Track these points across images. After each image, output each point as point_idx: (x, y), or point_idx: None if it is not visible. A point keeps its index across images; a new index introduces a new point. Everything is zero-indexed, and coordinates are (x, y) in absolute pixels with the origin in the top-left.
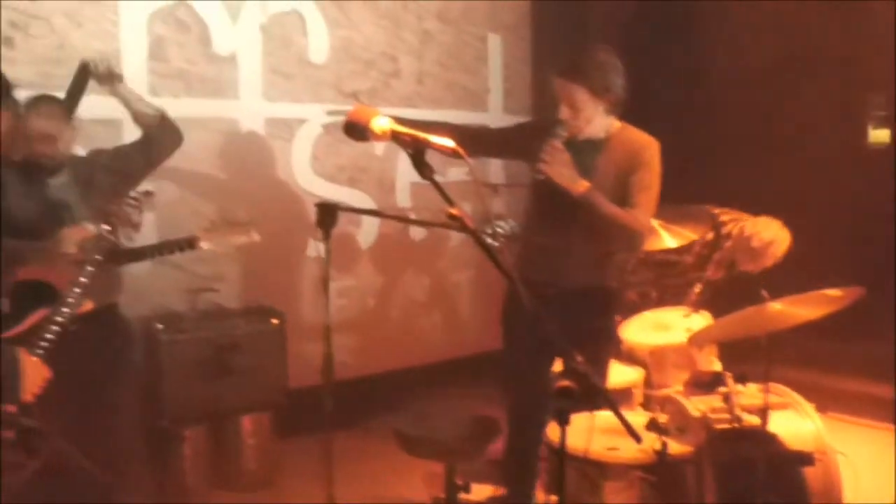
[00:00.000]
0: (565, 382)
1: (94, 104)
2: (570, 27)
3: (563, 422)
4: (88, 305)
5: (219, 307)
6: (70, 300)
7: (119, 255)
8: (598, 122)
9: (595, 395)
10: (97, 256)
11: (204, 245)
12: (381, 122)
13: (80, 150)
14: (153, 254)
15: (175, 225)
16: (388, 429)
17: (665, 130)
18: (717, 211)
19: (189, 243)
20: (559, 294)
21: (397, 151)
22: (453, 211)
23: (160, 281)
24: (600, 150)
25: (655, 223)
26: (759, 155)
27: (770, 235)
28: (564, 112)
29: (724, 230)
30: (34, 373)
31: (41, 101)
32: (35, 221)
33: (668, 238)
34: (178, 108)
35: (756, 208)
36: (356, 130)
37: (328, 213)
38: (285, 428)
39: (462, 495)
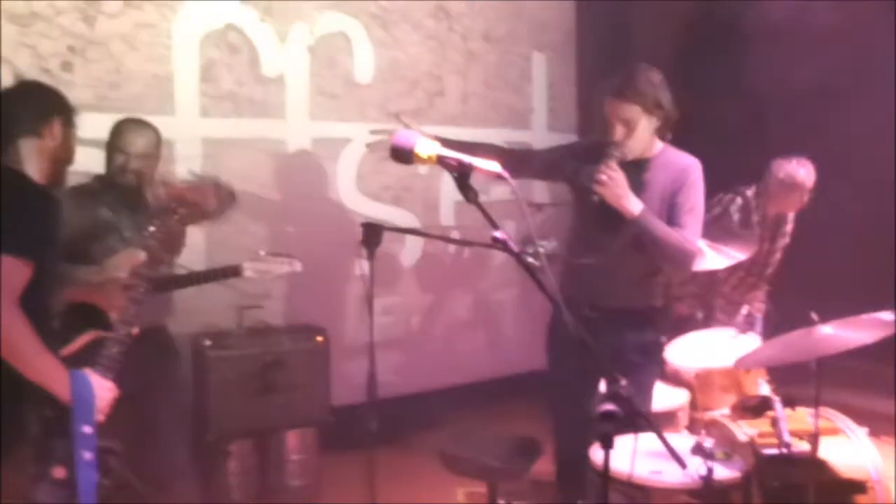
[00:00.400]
0: (609, 406)
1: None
2: (614, 46)
3: (607, 445)
4: (136, 330)
5: (265, 324)
6: (120, 325)
7: (165, 282)
8: (646, 140)
9: (638, 419)
10: (145, 282)
11: (247, 273)
12: (426, 147)
13: None
14: (198, 281)
15: (223, 242)
16: (431, 447)
17: (709, 148)
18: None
19: (233, 271)
20: (604, 315)
21: (441, 170)
22: (497, 234)
23: (209, 299)
24: (646, 170)
25: (702, 243)
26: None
27: (793, 165)
28: (618, 132)
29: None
30: (104, 394)
31: (138, 122)
32: (84, 241)
33: (715, 258)
34: (226, 128)
35: (802, 227)
36: (402, 155)
37: (373, 232)
38: (329, 444)
39: None
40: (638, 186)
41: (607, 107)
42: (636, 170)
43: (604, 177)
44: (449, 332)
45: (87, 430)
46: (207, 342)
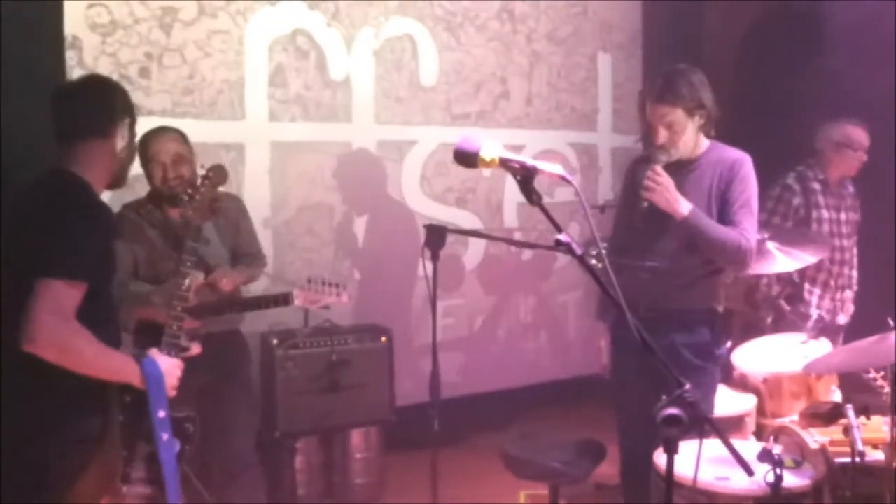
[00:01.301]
0: (672, 410)
1: (219, 129)
2: (681, 46)
3: (671, 450)
4: (196, 349)
5: (331, 324)
6: (182, 345)
7: (220, 306)
8: (692, 140)
9: (703, 424)
10: (205, 306)
11: (297, 302)
12: (490, 150)
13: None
14: (249, 308)
15: (288, 242)
16: (494, 448)
17: (776, 153)
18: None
19: (284, 300)
20: (661, 316)
21: (505, 172)
22: (561, 237)
23: None
24: (693, 169)
25: (772, 246)
26: (880, 181)
27: (845, 124)
28: (661, 136)
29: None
30: (172, 370)
31: (164, 128)
32: (154, 260)
33: (784, 261)
34: (294, 132)
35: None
36: (466, 158)
37: (436, 234)
38: (393, 443)
39: None
40: (686, 186)
41: (650, 111)
42: (684, 170)
43: (650, 182)
44: (512, 334)
45: (162, 414)
46: (275, 341)
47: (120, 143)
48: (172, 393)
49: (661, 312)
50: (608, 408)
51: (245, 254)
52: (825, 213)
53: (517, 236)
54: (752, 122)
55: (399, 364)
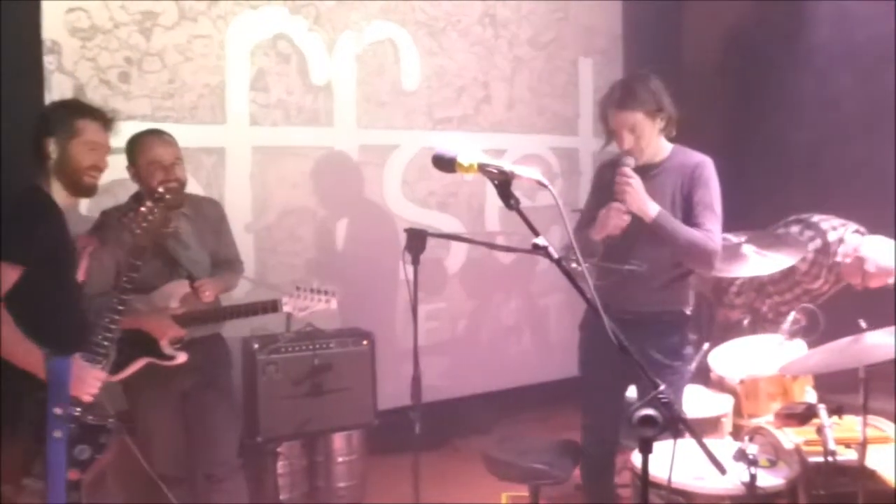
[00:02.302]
0: (648, 411)
1: (200, 133)
2: (661, 50)
3: (647, 450)
4: (182, 358)
5: (313, 328)
6: (169, 353)
7: (207, 315)
8: (655, 144)
9: (678, 424)
10: (193, 315)
11: (286, 308)
12: (467, 156)
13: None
14: (237, 315)
15: (270, 247)
16: (476, 450)
17: (757, 157)
18: (817, 219)
19: (272, 306)
20: (635, 319)
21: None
22: (538, 241)
23: None
24: (657, 173)
25: (748, 249)
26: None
27: (888, 262)
28: (626, 141)
29: (834, 241)
30: (85, 376)
31: (156, 132)
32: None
33: (760, 264)
34: (276, 136)
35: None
36: (444, 164)
37: (417, 238)
38: (375, 447)
39: None
40: (651, 190)
41: (612, 118)
42: (648, 174)
43: (621, 184)
44: (494, 337)
45: (58, 411)
46: (256, 345)
47: (50, 160)
48: (87, 399)
49: (635, 314)
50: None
51: (223, 260)
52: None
53: (499, 240)
54: (732, 125)
55: (381, 367)
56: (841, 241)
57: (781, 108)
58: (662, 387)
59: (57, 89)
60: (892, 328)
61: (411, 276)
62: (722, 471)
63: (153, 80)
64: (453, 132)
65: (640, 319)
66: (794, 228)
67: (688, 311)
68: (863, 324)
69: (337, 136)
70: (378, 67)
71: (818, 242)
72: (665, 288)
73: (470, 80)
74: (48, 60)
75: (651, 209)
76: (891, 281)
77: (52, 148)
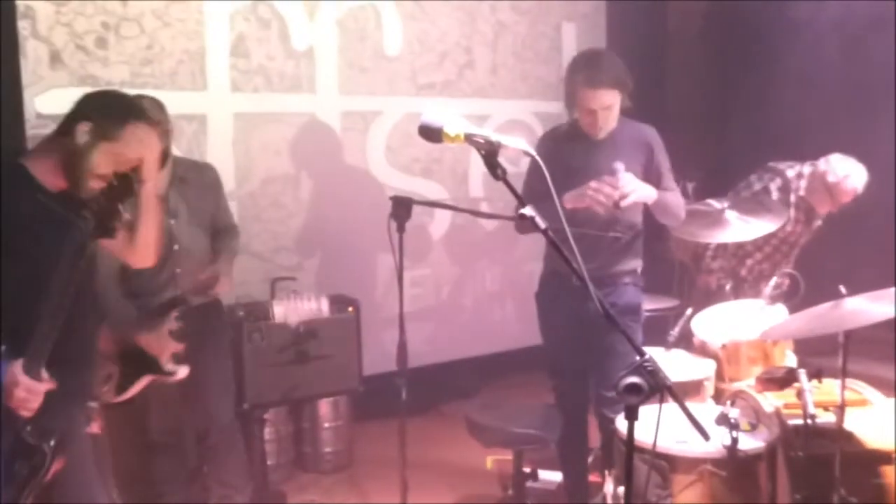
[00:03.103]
0: (634, 379)
1: (180, 100)
2: (645, 16)
3: (632, 417)
4: (183, 373)
5: (298, 295)
6: (169, 369)
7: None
8: (616, 118)
9: (663, 391)
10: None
11: (277, 318)
12: (454, 126)
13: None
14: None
15: (253, 214)
16: (460, 415)
17: (739, 123)
18: (782, 165)
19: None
20: (596, 280)
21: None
22: (525, 211)
23: (243, 271)
24: (611, 144)
25: (731, 214)
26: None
27: (845, 170)
28: (601, 119)
29: (793, 177)
30: (20, 386)
31: (145, 98)
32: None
33: (742, 230)
34: (257, 102)
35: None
36: (430, 133)
37: (403, 206)
38: (361, 412)
39: (529, 483)
40: (606, 159)
41: (586, 97)
42: (602, 144)
43: (628, 189)
44: (478, 303)
45: None
46: (241, 313)
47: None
48: (23, 413)
49: (599, 276)
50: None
51: (222, 227)
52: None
53: (483, 206)
54: (715, 92)
55: (366, 334)
56: (800, 175)
57: (765, 76)
58: (648, 355)
59: (32, 55)
60: (871, 294)
61: (396, 244)
62: (706, 437)
63: (131, 45)
64: (436, 98)
65: (602, 280)
66: (753, 177)
67: (639, 270)
68: (843, 290)
69: (319, 102)
70: (360, 32)
71: (778, 182)
72: (625, 248)
73: (452, 45)
74: (22, 26)
75: (650, 193)
76: (857, 186)
77: (83, 133)
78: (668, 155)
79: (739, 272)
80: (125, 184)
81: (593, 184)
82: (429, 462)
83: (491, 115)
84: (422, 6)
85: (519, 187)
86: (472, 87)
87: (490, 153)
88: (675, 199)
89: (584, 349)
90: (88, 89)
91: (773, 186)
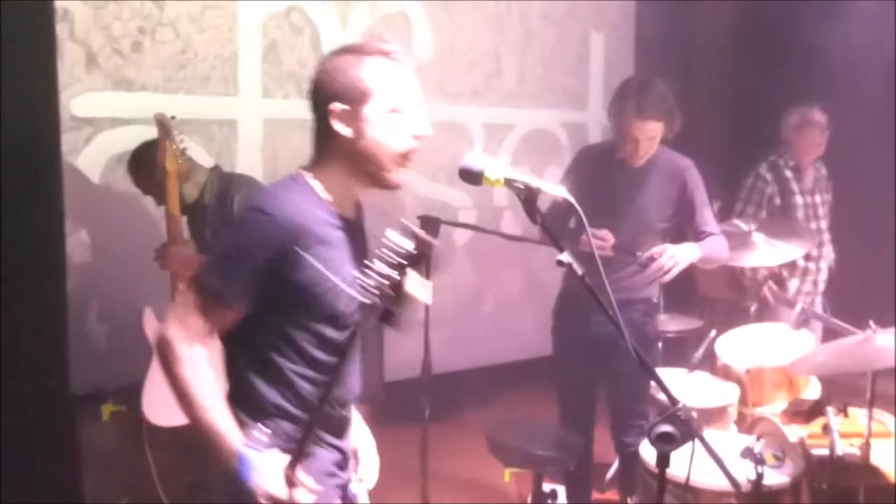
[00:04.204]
0: (666, 427)
1: (212, 105)
2: (673, 26)
3: (664, 465)
4: None
5: None
6: None
7: None
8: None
9: (693, 439)
10: None
11: None
12: (495, 170)
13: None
14: None
15: None
16: (481, 423)
17: (770, 134)
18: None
19: None
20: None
21: (494, 151)
22: (562, 257)
23: None
24: (646, 172)
25: (758, 238)
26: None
27: (802, 110)
28: (643, 150)
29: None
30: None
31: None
32: None
33: (769, 254)
34: (287, 109)
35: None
36: (471, 177)
37: (431, 225)
38: (382, 419)
39: (549, 502)
40: (639, 187)
41: (633, 126)
42: (644, 172)
43: (672, 261)
44: (500, 310)
45: None
46: None
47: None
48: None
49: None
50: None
51: None
52: (799, 199)
53: (506, 215)
54: (745, 101)
55: (388, 341)
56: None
57: (795, 91)
58: (681, 403)
59: (69, 58)
60: None
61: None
62: (736, 487)
63: (166, 50)
64: (464, 107)
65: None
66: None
67: (655, 298)
68: (872, 325)
69: None
70: (391, 40)
71: (764, 165)
72: (640, 276)
73: (482, 53)
74: (60, 28)
75: (695, 254)
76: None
77: (346, 122)
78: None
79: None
80: None
81: (596, 233)
82: (447, 472)
83: (517, 123)
84: (452, 15)
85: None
86: (500, 95)
87: (529, 198)
88: (717, 245)
89: (595, 369)
90: (123, 93)
91: (769, 191)
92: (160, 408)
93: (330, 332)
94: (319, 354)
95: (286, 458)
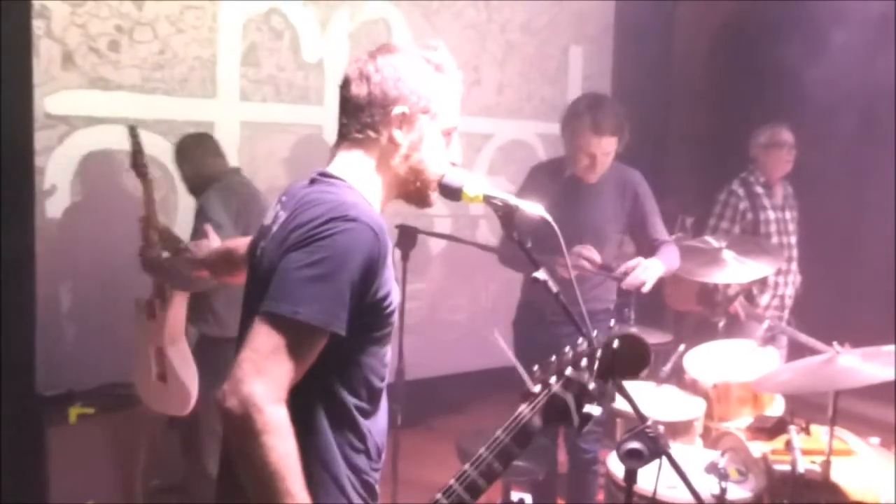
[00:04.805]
0: (635, 444)
1: (190, 107)
2: (651, 41)
3: (631, 481)
4: None
5: None
6: None
7: None
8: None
9: (663, 455)
10: None
11: None
12: (473, 187)
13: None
14: None
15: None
16: (450, 430)
17: (744, 149)
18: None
19: None
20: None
21: (472, 160)
22: (537, 275)
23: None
24: (602, 188)
25: (728, 255)
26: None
27: (770, 130)
28: (601, 166)
29: (737, 182)
30: None
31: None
32: None
33: (738, 271)
34: (265, 112)
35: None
36: (450, 192)
37: (408, 235)
38: None
39: None
40: (593, 203)
41: (590, 142)
42: (591, 189)
43: (642, 276)
44: (474, 318)
45: None
46: None
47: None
48: None
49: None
50: None
51: None
52: (771, 214)
53: (482, 224)
54: (720, 117)
55: None
56: (743, 180)
57: (772, 107)
58: (650, 421)
59: (45, 55)
60: (866, 351)
61: (400, 272)
62: (700, 502)
63: (144, 50)
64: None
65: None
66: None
67: (612, 307)
68: (836, 346)
69: (327, 114)
70: (371, 46)
71: (740, 204)
72: (601, 287)
73: (461, 62)
74: (36, 25)
75: (661, 269)
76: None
77: (405, 131)
78: (667, 187)
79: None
80: None
81: (584, 252)
82: (416, 478)
83: (495, 133)
84: (433, 23)
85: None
86: (478, 105)
87: (507, 215)
88: (672, 255)
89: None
90: (99, 92)
91: (742, 206)
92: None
93: (386, 356)
94: (377, 384)
95: None
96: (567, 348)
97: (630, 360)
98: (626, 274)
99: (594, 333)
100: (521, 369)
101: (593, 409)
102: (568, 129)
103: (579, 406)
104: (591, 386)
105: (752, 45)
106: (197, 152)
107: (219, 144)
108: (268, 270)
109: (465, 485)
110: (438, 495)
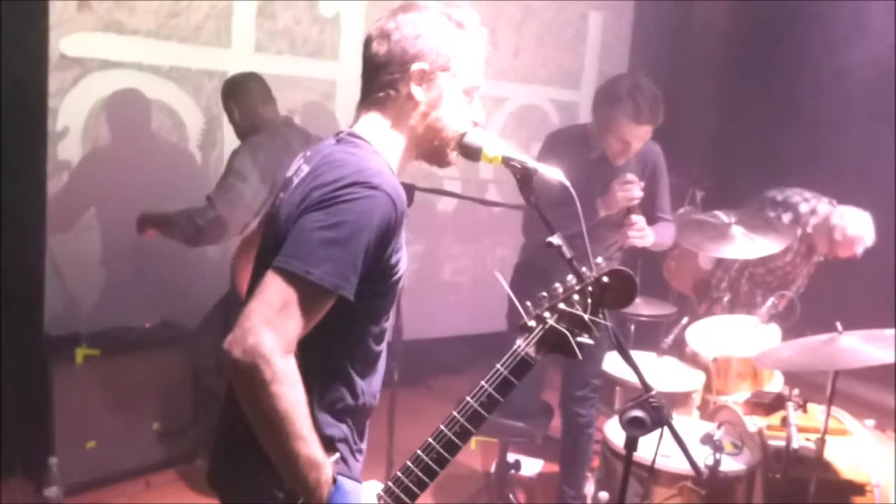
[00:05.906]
0: (638, 413)
1: (204, 55)
2: (672, 10)
3: (632, 448)
4: None
5: None
6: None
7: None
8: None
9: (664, 426)
10: None
11: None
12: (494, 148)
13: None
14: None
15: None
16: (450, 391)
17: (766, 123)
18: (789, 192)
19: None
20: None
21: (485, 123)
22: (552, 240)
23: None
24: (628, 164)
25: (738, 231)
26: (857, 164)
27: (855, 231)
28: (634, 150)
29: (805, 212)
30: None
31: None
32: None
33: (748, 247)
34: (279, 65)
35: None
36: (470, 152)
37: (405, 192)
38: None
39: (512, 473)
40: (614, 176)
41: (628, 130)
42: (617, 165)
43: (641, 235)
44: (478, 281)
45: None
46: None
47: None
48: None
49: None
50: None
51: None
52: None
53: (491, 188)
54: (740, 93)
55: None
56: (813, 212)
57: (785, 85)
58: (654, 391)
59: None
60: (867, 333)
61: None
62: (698, 474)
63: None
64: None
65: None
66: (767, 199)
67: None
68: (839, 326)
69: (341, 70)
70: (389, 3)
71: (790, 215)
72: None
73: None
74: None
75: (651, 237)
76: (859, 251)
77: (424, 88)
78: (680, 160)
79: (739, 287)
80: None
81: (624, 185)
82: (415, 435)
83: (509, 97)
84: None
85: None
86: (494, 69)
87: (525, 178)
88: (668, 231)
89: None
90: (114, 35)
91: (786, 219)
92: None
93: (387, 321)
94: (374, 347)
95: (380, 486)
96: (557, 284)
97: (619, 293)
98: (629, 220)
99: (582, 269)
100: (517, 304)
101: (585, 340)
102: (603, 112)
103: (573, 337)
104: (586, 317)
105: (774, 21)
106: (243, 99)
107: (268, 89)
108: (285, 223)
109: (466, 416)
110: (442, 427)
